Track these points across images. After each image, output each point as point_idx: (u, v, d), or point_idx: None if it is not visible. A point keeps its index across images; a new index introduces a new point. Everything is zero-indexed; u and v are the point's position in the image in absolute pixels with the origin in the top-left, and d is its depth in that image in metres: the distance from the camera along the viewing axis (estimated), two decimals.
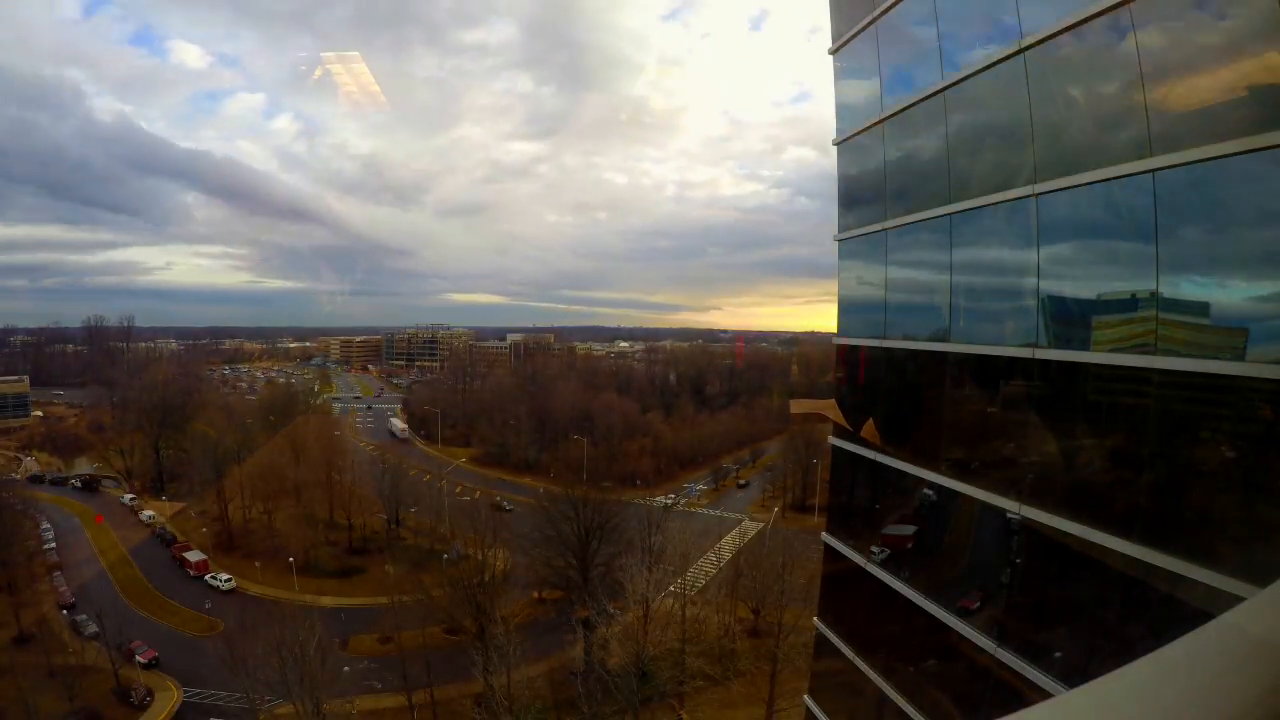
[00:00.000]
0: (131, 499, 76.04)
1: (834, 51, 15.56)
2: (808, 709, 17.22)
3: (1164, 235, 8.01)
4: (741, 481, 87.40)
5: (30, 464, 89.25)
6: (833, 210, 16.16)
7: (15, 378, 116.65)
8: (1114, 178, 8.59)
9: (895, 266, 14.06)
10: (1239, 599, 1.91)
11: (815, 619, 17.10)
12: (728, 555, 58.68)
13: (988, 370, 11.51)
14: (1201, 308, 8.03)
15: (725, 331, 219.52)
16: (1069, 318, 9.89)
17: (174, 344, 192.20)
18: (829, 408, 16.85)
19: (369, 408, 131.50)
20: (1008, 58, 10.23)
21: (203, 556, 59.29)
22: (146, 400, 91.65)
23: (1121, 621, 8.85)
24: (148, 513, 71.77)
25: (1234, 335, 7.56)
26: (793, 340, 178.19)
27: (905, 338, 13.82)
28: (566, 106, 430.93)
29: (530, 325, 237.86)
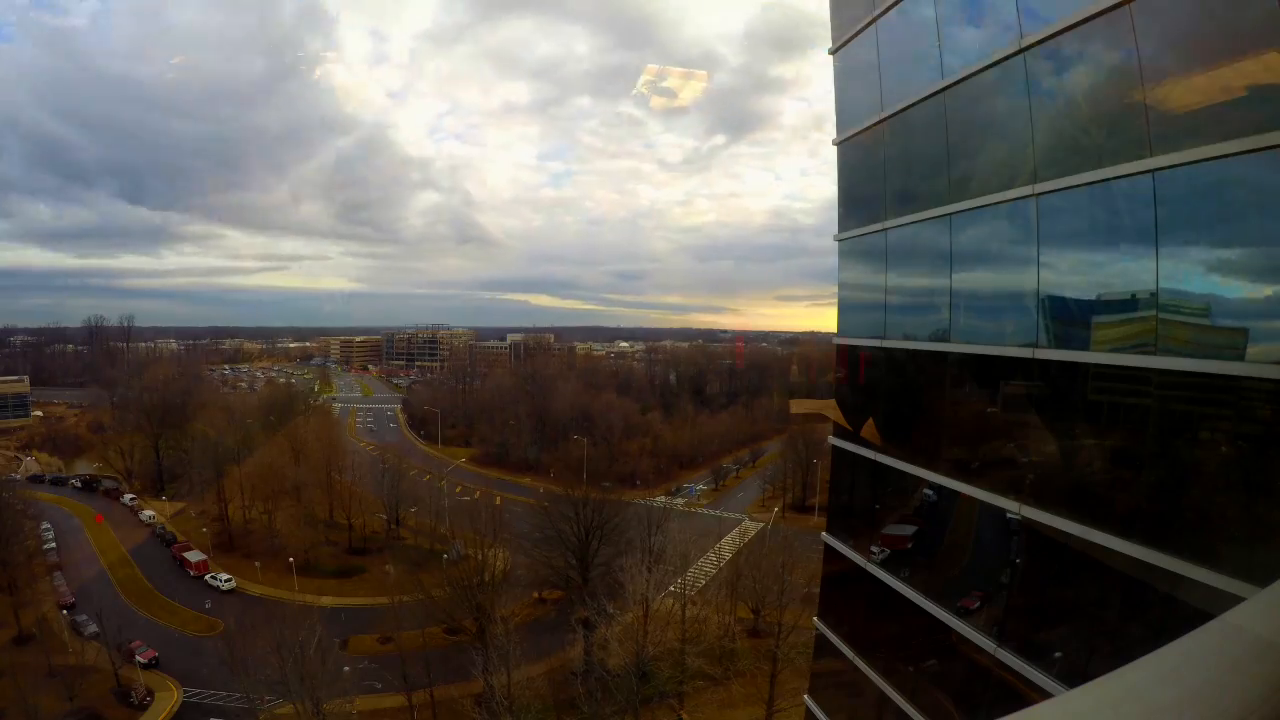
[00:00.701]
0: (131, 499, 76.08)
1: (834, 51, 15.54)
2: (808, 709, 17.22)
3: (1164, 235, 8.01)
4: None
5: (30, 464, 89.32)
6: None
7: (15, 378, 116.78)
8: (1114, 178, 8.58)
9: (895, 266, 14.05)
10: (1239, 599, 1.91)
11: (815, 619, 17.09)
12: (728, 555, 58.75)
13: (988, 370, 11.50)
14: (1201, 308, 8.03)
15: (725, 331, 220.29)
16: (1069, 318, 9.88)
17: (174, 344, 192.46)
18: (829, 408, 16.84)
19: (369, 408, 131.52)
20: (1008, 58, 10.22)
21: (203, 556, 59.31)
22: (146, 400, 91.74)
23: (1121, 621, 8.85)
24: (148, 513, 71.83)
25: (1234, 335, 7.55)
26: (793, 340, 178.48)
27: (905, 338, 13.81)
28: (708, 150, 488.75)
29: (530, 325, 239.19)
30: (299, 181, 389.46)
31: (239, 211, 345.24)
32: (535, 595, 52.28)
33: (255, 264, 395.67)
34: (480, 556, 46.32)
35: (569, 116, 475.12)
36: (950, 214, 11.93)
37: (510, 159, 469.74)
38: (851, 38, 14.81)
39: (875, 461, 14.36)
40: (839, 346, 16.09)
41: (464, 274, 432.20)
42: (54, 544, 61.56)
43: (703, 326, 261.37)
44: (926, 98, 12.45)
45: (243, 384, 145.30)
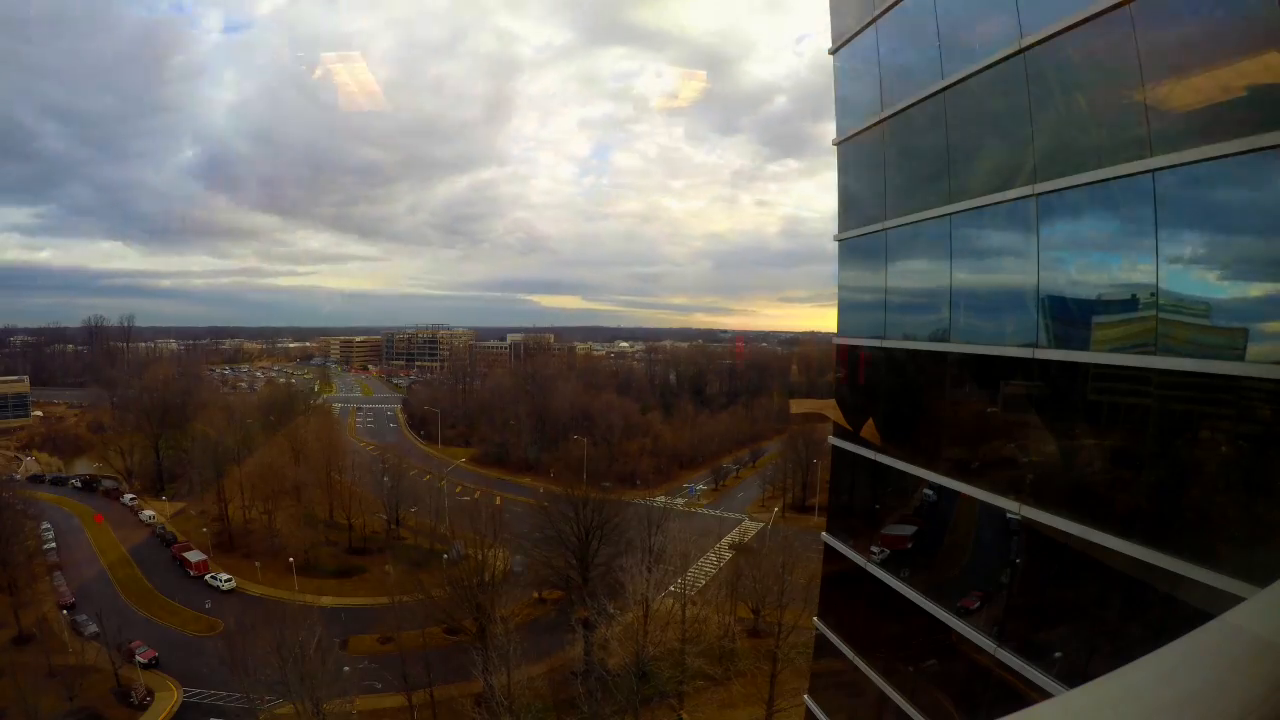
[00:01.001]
0: (131, 499, 76.05)
1: (834, 51, 15.55)
2: (808, 709, 17.22)
3: (1164, 235, 8.01)
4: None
5: (30, 464, 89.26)
6: None
7: (15, 378, 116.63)
8: (1114, 178, 8.58)
9: (895, 266, 14.05)
10: (1239, 599, 1.91)
11: (815, 619, 17.10)
12: (728, 555, 58.79)
13: (988, 370, 11.50)
14: (1201, 307, 8.03)
15: (726, 331, 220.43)
16: (1069, 318, 9.88)
17: (174, 344, 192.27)
18: (829, 408, 16.84)
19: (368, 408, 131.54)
20: (1008, 58, 10.22)
21: (203, 556, 59.29)
22: (146, 400, 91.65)
23: (1121, 621, 8.85)
24: (148, 513, 71.79)
25: (1234, 335, 7.56)
26: (793, 340, 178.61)
27: (905, 338, 13.81)
28: (754, 167, 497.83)
29: (530, 325, 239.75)
30: (426, 197, 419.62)
31: (345, 220, 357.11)
32: (535, 595, 52.28)
33: (326, 266, 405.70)
34: (480, 556, 46.31)
35: (639, 135, 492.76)
36: (950, 214, 11.93)
37: (567, 172, 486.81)
38: (851, 38, 14.81)
39: (875, 461, 14.36)
40: (839, 346, 16.09)
41: (497, 276, 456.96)
42: (54, 544, 61.49)
43: (703, 326, 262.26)
44: (926, 98, 12.45)
45: (243, 384, 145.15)
